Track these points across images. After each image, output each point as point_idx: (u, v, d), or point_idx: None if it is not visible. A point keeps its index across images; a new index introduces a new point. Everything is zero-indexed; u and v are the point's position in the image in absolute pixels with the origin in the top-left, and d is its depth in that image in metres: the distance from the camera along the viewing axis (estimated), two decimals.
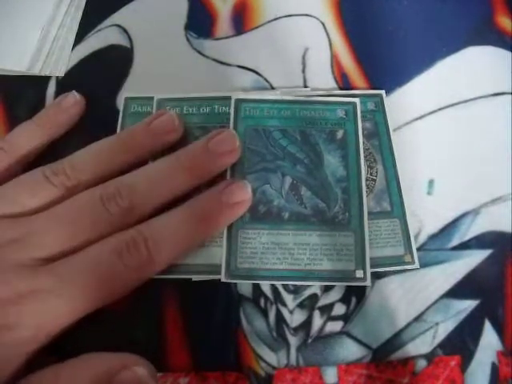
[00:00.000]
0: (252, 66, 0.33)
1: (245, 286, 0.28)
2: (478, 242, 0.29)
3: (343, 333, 0.27)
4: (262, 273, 0.27)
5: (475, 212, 0.30)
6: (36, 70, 0.33)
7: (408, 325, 0.27)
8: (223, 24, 0.35)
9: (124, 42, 0.35)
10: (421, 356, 0.26)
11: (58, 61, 0.34)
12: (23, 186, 0.26)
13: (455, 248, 0.29)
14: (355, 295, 0.28)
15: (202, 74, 0.33)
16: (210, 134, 0.28)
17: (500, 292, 0.28)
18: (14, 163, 0.28)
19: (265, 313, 0.27)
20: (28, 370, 0.21)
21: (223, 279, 0.27)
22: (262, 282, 0.27)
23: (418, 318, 0.27)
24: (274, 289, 0.28)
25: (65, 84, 0.33)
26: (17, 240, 0.23)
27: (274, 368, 0.26)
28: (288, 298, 0.27)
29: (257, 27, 0.35)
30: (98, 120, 0.32)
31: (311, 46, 0.34)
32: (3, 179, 0.27)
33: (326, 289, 0.28)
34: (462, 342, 0.27)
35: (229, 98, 0.31)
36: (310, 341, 0.27)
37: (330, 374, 0.26)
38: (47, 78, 0.33)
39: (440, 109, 0.32)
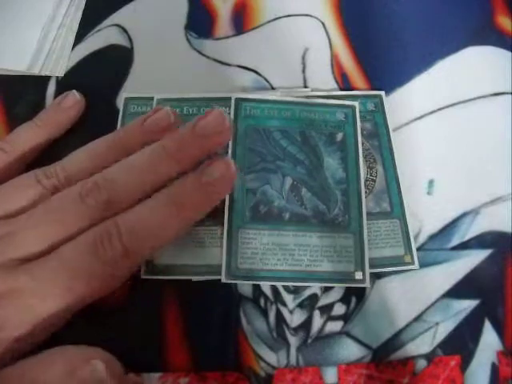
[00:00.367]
0: (252, 65, 0.33)
1: (245, 286, 0.28)
2: (478, 242, 0.29)
3: (343, 333, 0.27)
4: (262, 273, 0.27)
5: (475, 212, 0.30)
6: (36, 70, 0.33)
7: (408, 325, 0.27)
8: (223, 24, 0.35)
9: (124, 42, 0.35)
10: (421, 356, 0.26)
11: (58, 61, 0.34)
12: (15, 187, 0.26)
13: (455, 248, 0.29)
14: (355, 295, 0.28)
15: (201, 74, 0.33)
16: (197, 117, 0.26)
17: (500, 292, 0.28)
18: (15, 163, 0.28)
19: (265, 313, 0.27)
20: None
21: (223, 280, 0.27)
22: (262, 283, 0.27)
23: (417, 318, 0.27)
24: (274, 289, 0.28)
25: (65, 84, 0.33)
26: None
27: (273, 368, 0.26)
28: (288, 298, 0.28)
29: (257, 27, 0.35)
30: (97, 120, 0.32)
31: (311, 46, 0.34)
32: (3, 179, 0.27)
33: (326, 289, 0.28)
34: (461, 342, 0.27)
35: (229, 99, 0.31)
36: (309, 341, 0.27)
37: (330, 374, 0.26)
38: (47, 78, 0.33)
39: (440, 109, 0.32)
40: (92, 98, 0.33)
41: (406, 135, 0.31)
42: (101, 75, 0.34)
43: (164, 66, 0.34)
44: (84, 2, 0.36)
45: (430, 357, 0.26)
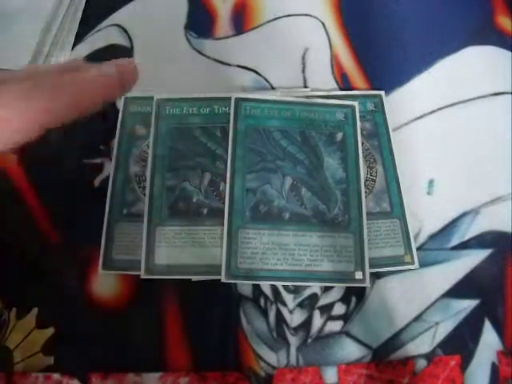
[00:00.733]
0: (252, 65, 0.33)
1: (245, 286, 0.28)
2: (478, 241, 0.29)
3: (343, 332, 0.27)
4: (262, 273, 0.27)
5: (475, 212, 0.30)
6: None
7: (408, 324, 0.27)
8: (223, 24, 0.35)
9: (124, 42, 0.35)
10: (421, 356, 0.26)
11: (58, 61, 0.34)
12: None
13: (455, 248, 0.29)
14: (355, 295, 0.28)
15: (201, 74, 0.33)
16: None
17: (500, 292, 0.28)
18: None
19: (265, 313, 0.27)
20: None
21: (223, 279, 0.27)
22: (262, 283, 0.27)
23: (417, 318, 0.27)
24: (274, 289, 0.28)
25: None
26: None
27: (273, 368, 0.26)
28: (288, 298, 0.28)
29: (257, 27, 0.35)
30: (98, 120, 0.32)
31: (311, 46, 0.34)
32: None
33: (326, 289, 0.28)
34: (461, 342, 0.27)
35: (229, 99, 0.31)
36: (309, 341, 0.27)
37: (330, 374, 0.26)
38: None
39: (440, 108, 0.32)
40: None
41: (406, 135, 0.31)
42: None
43: (164, 66, 0.34)
44: (84, 2, 0.36)
45: (429, 357, 0.26)
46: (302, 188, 0.29)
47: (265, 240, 0.28)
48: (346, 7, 0.35)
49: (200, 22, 0.35)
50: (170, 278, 0.27)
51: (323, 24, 0.35)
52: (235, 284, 0.28)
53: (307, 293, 0.28)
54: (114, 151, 0.30)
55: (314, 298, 0.27)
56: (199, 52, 0.34)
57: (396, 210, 0.29)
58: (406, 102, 0.32)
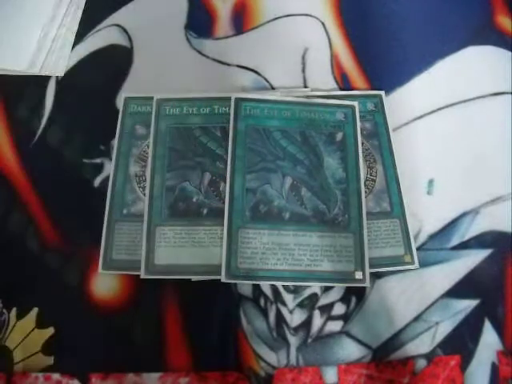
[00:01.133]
0: (252, 65, 0.33)
1: (245, 286, 0.28)
2: (478, 241, 0.29)
3: (343, 332, 0.27)
4: (262, 273, 0.27)
5: (475, 212, 0.30)
6: (36, 70, 0.33)
7: (408, 324, 0.27)
8: (223, 24, 0.35)
9: (124, 42, 0.35)
10: (421, 356, 0.26)
11: (58, 60, 0.34)
12: None
13: (455, 248, 0.29)
14: (355, 295, 0.28)
15: (201, 74, 0.33)
16: None
17: (500, 292, 0.28)
18: None
19: (265, 313, 0.27)
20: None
21: (223, 279, 0.27)
22: (262, 283, 0.27)
23: (417, 318, 0.27)
24: (274, 289, 0.28)
25: (65, 84, 0.33)
26: None
27: (273, 368, 0.26)
28: (288, 298, 0.28)
29: (257, 27, 0.35)
30: (98, 120, 0.32)
31: (311, 46, 0.34)
32: None
33: (326, 288, 0.28)
34: (461, 342, 0.27)
35: (229, 99, 0.31)
36: (310, 340, 0.27)
37: (330, 374, 0.26)
38: (47, 78, 0.33)
39: (440, 108, 0.32)
40: (92, 97, 0.33)
41: (406, 135, 0.31)
42: (101, 75, 0.34)
43: (164, 66, 0.34)
44: (84, 2, 0.36)
45: (429, 356, 0.26)
46: (302, 188, 0.29)
47: (265, 240, 0.28)
48: (345, 7, 0.35)
49: (200, 22, 0.35)
50: (169, 277, 0.27)
51: (323, 24, 0.35)
52: (235, 284, 0.28)
53: (307, 293, 0.28)
54: (114, 151, 0.30)
55: (313, 298, 0.28)
56: (199, 52, 0.34)
57: (396, 209, 0.29)
58: (406, 102, 0.32)
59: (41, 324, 0.27)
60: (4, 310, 0.27)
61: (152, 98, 0.31)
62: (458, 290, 0.28)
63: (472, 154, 0.31)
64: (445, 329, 0.27)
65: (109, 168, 0.30)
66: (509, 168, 0.31)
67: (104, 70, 0.34)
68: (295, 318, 0.27)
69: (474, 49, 0.34)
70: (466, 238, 0.29)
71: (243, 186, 0.29)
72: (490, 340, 0.27)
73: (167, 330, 0.27)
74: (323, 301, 0.28)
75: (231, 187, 0.29)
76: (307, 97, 0.32)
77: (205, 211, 0.29)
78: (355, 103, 0.31)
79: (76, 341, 0.27)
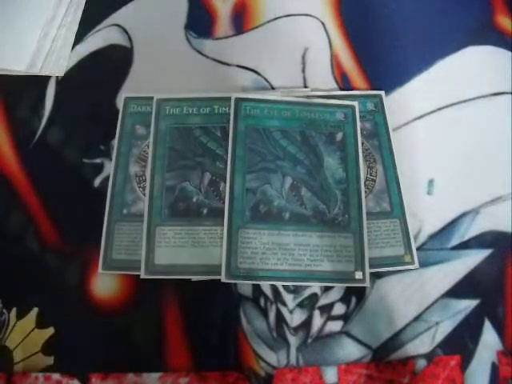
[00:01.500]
0: (252, 65, 0.33)
1: (245, 286, 0.28)
2: (478, 241, 0.29)
3: (343, 332, 0.27)
4: (262, 273, 0.27)
5: (475, 212, 0.30)
6: (36, 70, 0.33)
7: (408, 324, 0.27)
8: (223, 24, 0.35)
9: (124, 42, 0.35)
10: (421, 356, 0.26)
11: (58, 61, 0.34)
12: None
13: (455, 248, 0.29)
14: (355, 295, 0.28)
15: (201, 74, 0.33)
16: None
17: (500, 292, 0.28)
18: None
19: (265, 313, 0.27)
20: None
21: (223, 279, 0.27)
22: (262, 283, 0.27)
23: (417, 318, 0.27)
24: (274, 289, 0.28)
25: (65, 84, 0.33)
26: None
27: (273, 368, 0.26)
28: (288, 298, 0.28)
29: (256, 27, 0.35)
30: (98, 120, 0.32)
31: (311, 46, 0.34)
32: None
33: (326, 288, 0.28)
34: (461, 342, 0.27)
35: (229, 99, 0.31)
36: (310, 340, 0.27)
37: (330, 374, 0.26)
38: (47, 78, 0.33)
39: (440, 108, 0.32)
40: (92, 97, 0.33)
41: (406, 135, 0.31)
42: (101, 75, 0.34)
43: (164, 66, 0.34)
44: (84, 2, 0.36)
45: (429, 356, 0.26)
46: (302, 188, 0.29)
47: (265, 240, 0.28)
48: (345, 7, 0.35)
49: (200, 22, 0.35)
50: (169, 277, 0.27)
51: (323, 24, 0.35)
52: (235, 284, 0.28)
53: (307, 293, 0.28)
54: (114, 151, 0.30)
55: (313, 298, 0.27)
56: (199, 52, 0.34)
57: (396, 209, 0.29)
58: (406, 102, 0.32)
59: (41, 324, 0.27)
60: (4, 310, 0.27)
61: (152, 97, 0.31)
62: (457, 290, 0.28)
63: (472, 154, 0.31)
64: (445, 329, 0.27)
65: (109, 168, 0.30)
66: (509, 168, 0.31)
67: (104, 70, 0.34)
68: (295, 318, 0.27)
69: (473, 49, 0.34)
70: (466, 238, 0.29)
71: (243, 186, 0.29)
72: (489, 340, 0.27)
73: (167, 330, 0.27)
74: (323, 301, 0.28)
75: (231, 187, 0.29)
76: (307, 97, 0.32)
77: (205, 211, 0.29)
78: (355, 103, 0.31)
79: (76, 341, 0.27)
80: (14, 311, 0.27)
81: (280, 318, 0.27)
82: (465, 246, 0.29)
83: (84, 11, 0.36)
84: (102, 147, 0.31)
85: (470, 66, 0.33)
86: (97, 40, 0.35)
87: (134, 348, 0.27)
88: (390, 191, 0.29)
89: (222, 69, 0.33)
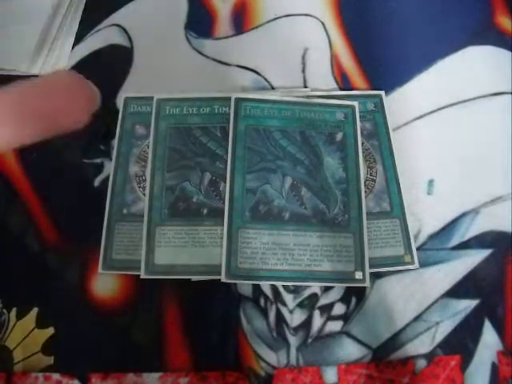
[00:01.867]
0: (252, 65, 0.33)
1: (245, 286, 0.28)
2: (478, 241, 0.29)
3: (343, 332, 0.27)
4: (262, 273, 0.27)
5: (475, 212, 0.30)
6: (36, 70, 0.33)
7: (408, 324, 0.27)
8: (223, 24, 0.35)
9: (124, 42, 0.35)
10: (421, 356, 0.26)
11: (58, 61, 0.34)
12: None
13: (455, 248, 0.29)
14: (355, 295, 0.28)
15: (201, 74, 0.33)
16: None
17: (500, 292, 0.28)
18: None
19: (265, 312, 0.27)
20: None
21: (223, 279, 0.27)
22: (262, 283, 0.27)
23: (417, 318, 0.27)
24: (274, 288, 0.28)
25: None
26: None
27: (273, 368, 0.26)
28: (288, 298, 0.28)
29: (257, 27, 0.35)
30: (97, 120, 0.32)
31: (311, 46, 0.34)
32: None
33: (326, 288, 0.28)
34: (461, 342, 0.27)
35: (229, 99, 0.31)
36: (310, 340, 0.27)
37: (330, 374, 0.26)
38: None
39: (440, 108, 0.32)
40: None
41: (406, 135, 0.31)
42: (101, 75, 0.33)
43: (164, 66, 0.34)
44: (84, 2, 0.36)
45: (429, 356, 0.26)
46: (302, 188, 0.29)
47: (265, 240, 0.28)
48: (345, 7, 0.35)
49: (200, 22, 0.35)
50: (169, 277, 0.27)
51: (323, 24, 0.35)
52: (235, 284, 0.28)
53: (307, 293, 0.28)
54: (114, 151, 0.30)
55: (313, 298, 0.27)
56: (199, 52, 0.34)
57: (396, 209, 0.29)
58: (406, 102, 0.32)
59: (41, 324, 0.27)
60: (4, 310, 0.27)
61: (152, 97, 0.31)
62: (457, 290, 0.28)
63: (472, 154, 0.31)
64: (445, 329, 0.27)
65: (109, 168, 0.30)
66: (509, 168, 0.31)
67: (104, 70, 0.34)
68: (295, 318, 0.27)
69: (473, 49, 0.34)
70: (466, 238, 0.29)
71: (243, 186, 0.29)
72: (489, 340, 0.27)
73: (167, 330, 0.27)
74: (323, 301, 0.27)
75: (231, 187, 0.29)
76: (307, 97, 0.32)
77: (205, 211, 0.29)
78: (355, 103, 0.31)
79: (76, 341, 0.27)
80: (13, 311, 0.27)
81: (280, 318, 0.27)
82: (465, 246, 0.29)
83: (84, 11, 0.36)
84: (102, 147, 0.31)
85: (470, 66, 0.33)
86: (97, 40, 0.35)
87: (134, 348, 0.27)
88: (389, 191, 0.29)
89: (221, 69, 0.33)
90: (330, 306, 0.27)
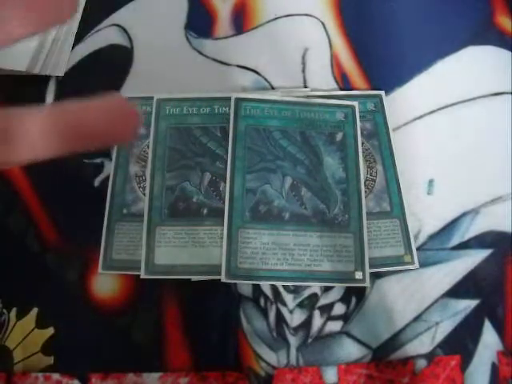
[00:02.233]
0: (252, 65, 0.33)
1: (245, 286, 0.28)
2: (478, 241, 0.29)
3: (343, 333, 0.27)
4: (262, 273, 0.27)
5: (475, 212, 0.30)
6: (36, 70, 0.33)
7: (408, 324, 0.27)
8: (223, 24, 0.35)
9: (124, 42, 0.35)
10: (421, 356, 0.26)
11: (58, 61, 0.34)
12: None
13: (455, 248, 0.29)
14: (355, 295, 0.28)
15: (201, 74, 0.33)
16: None
17: (500, 292, 0.28)
18: None
19: (265, 312, 0.27)
20: None
21: (223, 279, 0.27)
22: (262, 283, 0.27)
23: (417, 318, 0.27)
24: (274, 288, 0.28)
25: (65, 84, 0.33)
26: None
27: (273, 368, 0.26)
28: (288, 298, 0.28)
29: (257, 27, 0.35)
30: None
31: (311, 46, 0.34)
32: None
33: (326, 289, 0.28)
34: (461, 342, 0.27)
35: (229, 99, 0.31)
36: (310, 340, 0.27)
37: (330, 374, 0.26)
38: (47, 78, 0.33)
39: (440, 108, 0.32)
40: (92, 97, 0.33)
41: (406, 135, 0.31)
42: (101, 75, 0.34)
43: (164, 66, 0.34)
44: (84, 2, 0.36)
45: (429, 356, 0.26)
46: (302, 188, 0.29)
47: (265, 240, 0.28)
48: (345, 7, 0.35)
49: (200, 22, 0.35)
50: (169, 277, 0.27)
51: (323, 24, 0.35)
52: (235, 284, 0.28)
53: (307, 293, 0.28)
54: (114, 151, 0.30)
55: (313, 298, 0.27)
56: (199, 52, 0.34)
57: (396, 209, 0.29)
58: (406, 102, 0.32)
59: (41, 324, 0.27)
60: (4, 310, 0.27)
61: (152, 97, 0.31)
62: (457, 290, 0.28)
63: (472, 155, 0.31)
64: (445, 329, 0.27)
65: (109, 168, 0.30)
66: (509, 168, 0.31)
67: (104, 70, 0.34)
68: (295, 318, 0.27)
69: (473, 49, 0.34)
70: (466, 238, 0.29)
71: (243, 186, 0.29)
72: (489, 340, 0.27)
73: (167, 330, 0.27)
74: (323, 301, 0.27)
75: (231, 187, 0.29)
76: (307, 97, 0.32)
77: (205, 211, 0.29)
78: (355, 103, 0.31)
79: (76, 341, 0.27)
80: (13, 311, 0.27)
81: (280, 318, 0.27)
82: (465, 246, 0.29)
83: (84, 11, 0.36)
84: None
85: (470, 66, 0.33)
86: (97, 40, 0.35)
87: (134, 348, 0.27)
88: (389, 191, 0.29)
89: (221, 69, 0.33)
90: (330, 305, 0.27)
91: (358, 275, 0.27)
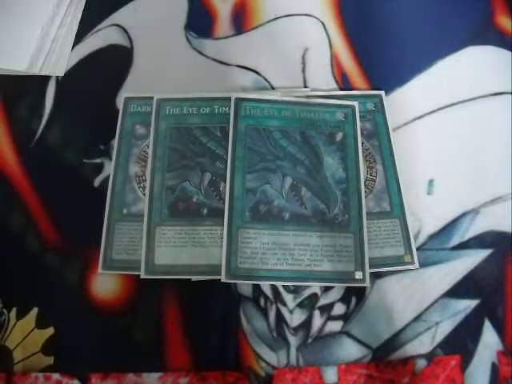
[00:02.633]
0: (252, 65, 0.33)
1: (245, 286, 0.28)
2: (478, 241, 0.29)
3: (343, 333, 0.27)
4: (262, 273, 0.27)
5: (475, 212, 0.30)
6: (36, 70, 0.33)
7: (408, 324, 0.27)
8: (223, 24, 0.35)
9: (124, 42, 0.35)
10: (421, 356, 0.26)
11: (58, 61, 0.34)
12: None
13: (455, 248, 0.29)
14: (355, 295, 0.28)
15: (201, 74, 0.33)
16: None
17: (500, 292, 0.28)
18: None
19: (265, 312, 0.27)
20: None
21: (223, 279, 0.27)
22: (262, 283, 0.27)
23: (417, 318, 0.27)
24: (274, 288, 0.28)
25: (65, 84, 0.33)
26: None
27: (273, 368, 0.26)
28: (288, 298, 0.28)
29: (256, 27, 0.35)
30: (98, 120, 0.32)
31: (311, 46, 0.34)
32: None
33: (326, 289, 0.28)
34: (461, 342, 0.27)
35: (229, 99, 0.31)
36: (310, 340, 0.27)
37: (330, 374, 0.26)
38: (47, 78, 0.33)
39: (440, 108, 0.32)
40: (92, 97, 0.33)
41: (406, 135, 0.31)
42: (101, 75, 0.34)
43: (164, 66, 0.34)
44: (84, 2, 0.36)
45: (429, 356, 0.26)
46: (302, 188, 0.29)
47: (265, 240, 0.28)
48: (345, 7, 0.35)
49: (200, 22, 0.35)
50: (169, 277, 0.27)
51: (323, 24, 0.35)
52: (235, 284, 0.28)
53: (307, 293, 0.28)
54: (114, 151, 0.30)
55: (313, 298, 0.28)
56: (199, 52, 0.34)
57: (396, 209, 0.29)
58: (406, 102, 0.32)
59: (41, 324, 0.27)
60: (4, 310, 0.27)
61: (152, 97, 0.31)
62: (457, 290, 0.28)
63: (472, 154, 0.31)
64: (445, 329, 0.27)
65: (109, 168, 0.30)
66: (509, 168, 0.31)
67: (104, 70, 0.34)
68: (295, 318, 0.27)
69: (473, 49, 0.34)
70: (466, 238, 0.29)
71: (243, 186, 0.29)
72: (489, 340, 0.27)
73: (167, 330, 0.27)
74: (323, 301, 0.28)
75: (231, 187, 0.29)
76: (307, 97, 0.32)
77: (205, 211, 0.29)
78: (355, 103, 0.31)
79: (76, 341, 0.27)
80: (13, 311, 0.27)
81: (280, 318, 0.27)
82: (465, 246, 0.29)
83: (84, 11, 0.36)
84: (102, 147, 0.31)
85: (470, 66, 0.33)
86: (97, 40, 0.35)
87: (134, 348, 0.27)
88: (389, 191, 0.29)
89: (221, 69, 0.33)
90: (330, 306, 0.27)
91: (358, 275, 0.27)
